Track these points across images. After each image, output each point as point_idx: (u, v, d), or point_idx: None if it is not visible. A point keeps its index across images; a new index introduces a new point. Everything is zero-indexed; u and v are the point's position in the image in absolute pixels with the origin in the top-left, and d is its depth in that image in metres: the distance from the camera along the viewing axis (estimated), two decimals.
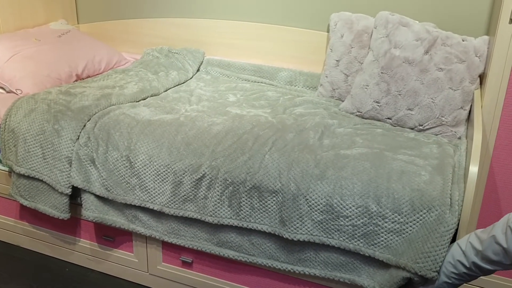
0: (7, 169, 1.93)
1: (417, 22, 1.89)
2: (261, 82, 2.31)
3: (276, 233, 1.52)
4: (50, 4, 2.53)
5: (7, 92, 2.05)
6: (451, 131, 1.76)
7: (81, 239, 1.91)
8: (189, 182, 1.60)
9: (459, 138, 1.76)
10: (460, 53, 1.76)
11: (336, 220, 1.44)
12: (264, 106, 1.99)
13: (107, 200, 1.74)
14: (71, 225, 1.90)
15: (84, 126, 1.75)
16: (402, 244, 1.38)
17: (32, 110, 1.80)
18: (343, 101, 2.04)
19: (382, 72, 1.82)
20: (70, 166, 1.73)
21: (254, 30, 2.40)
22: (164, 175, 1.63)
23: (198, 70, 2.44)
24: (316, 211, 1.46)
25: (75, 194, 1.78)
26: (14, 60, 2.06)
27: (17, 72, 2.03)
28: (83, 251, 1.91)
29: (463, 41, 1.79)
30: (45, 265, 1.96)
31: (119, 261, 1.87)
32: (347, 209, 1.42)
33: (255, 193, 1.52)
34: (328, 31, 2.26)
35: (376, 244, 1.42)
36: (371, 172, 1.44)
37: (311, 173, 1.47)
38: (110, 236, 1.84)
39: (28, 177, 1.80)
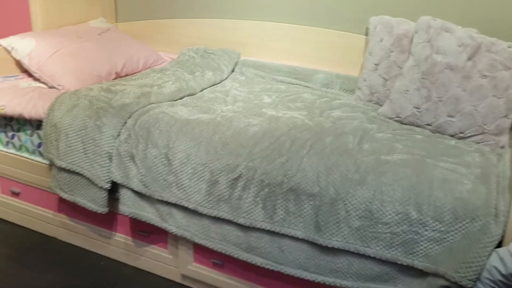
0: (47, 162, 1.98)
1: (460, 27, 1.86)
2: (297, 84, 2.30)
3: (310, 239, 1.50)
4: (90, 2, 2.58)
5: (49, 87, 2.10)
6: (494, 139, 1.72)
7: (117, 233, 1.94)
8: (224, 181, 1.60)
9: (502, 147, 1.72)
10: (505, 60, 1.72)
11: (374, 227, 1.43)
12: (300, 108, 1.99)
13: (143, 196, 1.77)
14: (107, 219, 1.93)
15: (125, 123, 1.78)
16: (442, 253, 1.36)
17: (75, 105, 1.84)
18: (381, 105, 2.02)
19: (423, 78, 1.80)
20: (110, 161, 1.76)
21: (290, 32, 2.40)
22: (201, 174, 1.64)
23: (233, 71, 2.45)
24: (354, 216, 1.44)
25: (113, 189, 1.81)
26: (57, 56, 2.11)
27: (59, 68, 2.08)
28: (118, 245, 1.95)
29: (508, 47, 1.75)
30: (81, 257, 2.00)
31: (153, 256, 1.89)
32: (387, 216, 1.41)
33: (292, 196, 1.52)
34: (366, 34, 2.24)
35: (415, 253, 1.40)
36: (412, 178, 1.42)
37: (350, 177, 1.46)
38: (145, 231, 1.87)
39: (68, 171, 1.84)
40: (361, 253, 1.46)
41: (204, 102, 1.99)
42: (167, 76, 2.23)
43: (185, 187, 1.67)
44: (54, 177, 1.89)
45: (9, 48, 2.14)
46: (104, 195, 1.80)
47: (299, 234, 1.52)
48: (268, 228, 1.56)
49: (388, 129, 1.79)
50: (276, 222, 1.55)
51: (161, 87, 2.06)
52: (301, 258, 1.54)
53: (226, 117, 1.81)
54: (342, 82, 2.24)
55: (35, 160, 2.00)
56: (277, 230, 1.55)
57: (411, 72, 1.83)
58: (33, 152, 2.01)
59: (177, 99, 2.03)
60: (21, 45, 2.13)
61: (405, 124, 1.86)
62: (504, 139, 1.73)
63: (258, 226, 1.57)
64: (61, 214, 2.04)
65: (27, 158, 2.02)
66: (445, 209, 1.35)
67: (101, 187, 1.79)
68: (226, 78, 2.36)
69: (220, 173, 1.61)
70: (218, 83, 2.29)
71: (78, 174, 1.83)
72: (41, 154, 1.99)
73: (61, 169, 1.86)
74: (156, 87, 2.05)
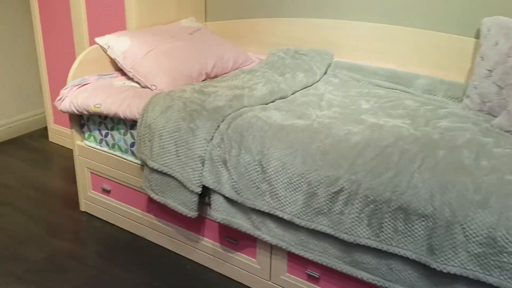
0: (139, 162, 1.98)
1: None
2: (395, 89, 2.15)
3: (422, 261, 1.37)
4: (181, 2, 2.57)
5: (142, 86, 2.11)
6: None
7: (204, 238, 1.90)
8: (324, 194, 1.50)
9: None
10: None
11: (498, 256, 1.26)
12: (403, 116, 1.83)
13: (235, 202, 1.71)
14: (196, 223, 1.90)
15: (218, 126, 1.73)
16: None
17: (169, 107, 1.82)
18: (494, 116, 1.82)
19: None
20: (203, 165, 1.72)
21: (388, 33, 2.24)
22: (297, 184, 1.55)
23: (325, 73, 2.34)
24: (473, 242, 1.29)
25: (203, 193, 1.77)
26: (150, 55, 2.11)
27: (153, 68, 2.07)
28: (205, 250, 1.91)
29: None
30: (167, 259, 1.98)
31: (240, 265, 1.83)
32: None
33: (401, 215, 1.39)
34: (476, 37, 2.03)
35: None
36: None
37: (470, 198, 1.30)
38: (234, 238, 1.81)
39: (160, 173, 1.83)
40: (481, 280, 1.30)
41: (297, 106, 1.90)
42: (257, 78, 2.16)
43: (279, 196, 1.59)
44: (145, 178, 1.89)
45: (105, 47, 2.17)
46: (195, 199, 1.76)
47: (409, 254, 1.39)
48: (374, 246, 1.44)
49: (506, 143, 1.59)
50: (383, 240, 1.42)
51: (252, 90, 1.99)
52: (412, 277, 1.41)
53: (323, 124, 1.70)
54: (446, 88, 2.06)
55: (127, 159, 2.01)
56: (384, 248, 1.42)
57: None
58: (125, 151, 2.02)
59: (269, 102, 1.95)
60: (117, 44, 2.15)
61: None
62: None
63: (363, 243, 1.45)
64: (150, 214, 2.04)
65: (119, 156, 2.04)
66: None
67: (192, 191, 1.75)
68: (318, 81, 2.25)
69: (318, 185, 1.51)
70: (310, 86, 2.19)
71: (169, 176, 1.81)
72: (133, 154, 2.00)
73: (153, 170, 1.84)
74: (247, 89, 1.99)
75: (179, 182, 1.79)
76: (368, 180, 1.44)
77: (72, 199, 2.39)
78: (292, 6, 2.50)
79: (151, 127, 1.82)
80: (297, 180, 1.55)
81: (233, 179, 1.67)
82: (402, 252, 1.40)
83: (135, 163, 1.99)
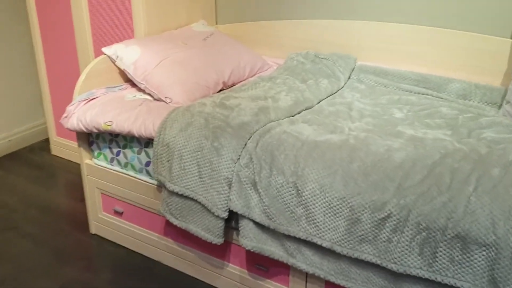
0: (155, 182, 1.83)
1: None
2: (426, 94, 2.00)
3: None
4: (191, 5, 2.41)
5: (155, 99, 1.95)
6: None
7: (230, 264, 1.76)
8: (369, 221, 1.36)
9: None
10: None
11: None
12: (442, 126, 1.69)
13: (266, 228, 1.57)
14: (220, 248, 1.75)
15: (245, 144, 1.58)
16: None
17: (189, 124, 1.66)
18: None
19: None
20: (229, 188, 1.57)
21: (416, 34, 2.10)
22: (338, 209, 1.41)
23: (349, 78, 2.19)
24: None
25: (229, 217, 1.63)
26: (163, 65, 1.95)
27: (166, 79, 1.92)
28: (232, 277, 1.76)
29: None
30: (188, 285, 1.84)
31: None
32: None
33: (458, 244, 1.25)
34: None
35: None
36: None
37: None
38: (263, 265, 1.67)
39: (181, 196, 1.68)
40: None
41: (326, 118, 1.75)
42: (278, 86, 2.01)
43: (318, 222, 1.44)
44: (164, 201, 1.74)
45: (114, 57, 2.01)
46: (221, 224, 1.61)
47: (467, 286, 1.25)
48: (426, 276, 1.30)
49: None
50: (437, 271, 1.28)
51: (276, 100, 1.84)
52: None
53: (359, 139, 1.56)
54: (483, 93, 1.92)
55: (141, 180, 1.86)
56: (438, 279, 1.29)
57: None
58: (139, 171, 1.87)
59: (295, 114, 1.80)
60: (126, 54, 1.98)
61: None
62: None
63: (414, 273, 1.31)
64: (167, 238, 1.89)
65: (132, 176, 1.88)
66: None
67: (217, 216, 1.60)
68: (342, 87, 2.11)
69: (362, 210, 1.36)
70: (335, 93, 2.04)
71: (191, 199, 1.66)
72: (148, 174, 1.85)
73: (173, 193, 1.69)
74: (270, 100, 1.84)
75: (203, 206, 1.64)
76: (419, 205, 1.30)
77: (80, 220, 2.24)
78: (308, 8, 2.35)
79: (169, 146, 1.67)
80: (337, 205, 1.41)
81: (264, 202, 1.52)
82: (459, 284, 1.27)
83: (150, 183, 1.84)
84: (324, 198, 1.42)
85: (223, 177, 1.57)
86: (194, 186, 1.63)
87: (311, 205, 1.45)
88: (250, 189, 1.55)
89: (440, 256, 1.28)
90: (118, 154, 1.91)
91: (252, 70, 2.23)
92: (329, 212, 1.42)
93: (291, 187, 1.48)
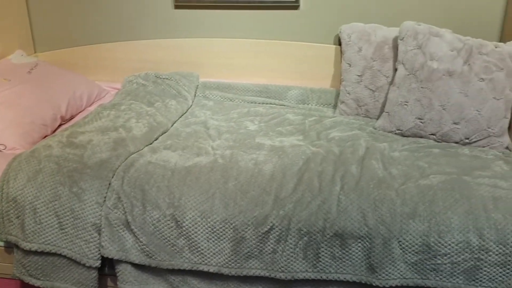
0: (1, 243, 1.56)
1: (444, 30, 1.82)
2: (270, 103, 2.11)
3: (363, 282, 1.36)
4: (4, 34, 2.11)
5: None
6: (498, 141, 1.72)
7: None
8: (253, 237, 1.38)
9: (506, 148, 1.73)
10: (497, 61, 1.72)
11: (432, 260, 1.32)
12: (293, 133, 1.81)
13: (146, 267, 1.47)
14: None
15: (109, 184, 1.46)
16: (509, 275, 1.30)
17: (38, 171, 1.46)
18: (370, 118, 1.93)
19: (422, 87, 1.73)
20: (99, 234, 1.43)
21: (251, 47, 2.20)
22: (221, 232, 1.40)
23: (195, 96, 2.19)
24: (410, 252, 1.32)
25: (102, 264, 1.48)
26: None
27: None
28: None
29: (496, 48, 1.76)
30: None
31: None
32: (446, 247, 1.31)
33: (337, 241, 1.35)
34: (336, 44, 2.13)
35: (477, 279, 1.32)
36: (464, 203, 1.34)
37: (400, 212, 1.34)
38: None
39: (40, 253, 1.47)
40: (420, 286, 1.35)
41: (187, 140, 1.72)
42: (124, 113, 1.89)
43: (202, 249, 1.41)
44: (18, 262, 1.50)
45: None
46: (94, 274, 1.46)
47: (349, 277, 1.37)
48: (313, 277, 1.38)
49: (398, 146, 1.69)
50: (321, 270, 1.37)
51: (129, 130, 1.74)
52: None
53: (226, 157, 1.57)
54: (318, 96, 2.11)
55: None
56: (324, 277, 1.38)
57: (407, 82, 1.76)
58: None
59: (153, 141, 1.73)
60: None
61: (407, 136, 1.79)
62: (506, 139, 1.74)
63: (301, 277, 1.38)
64: None
65: None
66: (508, 231, 1.29)
67: (89, 266, 1.45)
68: (191, 105, 2.09)
69: (246, 228, 1.38)
70: (185, 112, 2.02)
71: (54, 254, 1.47)
72: None
73: (30, 252, 1.47)
74: (122, 130, 1.73)
75: (69, 259, 1.46)
76: (297, 212, 1.37)
77: None
78: (141, 28, 2.27)
79: (17, 201, 1.44)
80: (220, 228, 1.39)
81: (141, 242, 1.42)
82: (341, 277, 1.38)
83: None
84: (206, 224, 1.40)
85: (89, 224, 1.42)
86: (56, 239, 1.44)
87: (193, 234, 1.41)
88: (123, 231, 1.43)
89: (323, 255, 1.37)
90: None
91: (89, 98, 2.06)
92: (213, 237, 1.40)
93: (169, 220, 1.41)
